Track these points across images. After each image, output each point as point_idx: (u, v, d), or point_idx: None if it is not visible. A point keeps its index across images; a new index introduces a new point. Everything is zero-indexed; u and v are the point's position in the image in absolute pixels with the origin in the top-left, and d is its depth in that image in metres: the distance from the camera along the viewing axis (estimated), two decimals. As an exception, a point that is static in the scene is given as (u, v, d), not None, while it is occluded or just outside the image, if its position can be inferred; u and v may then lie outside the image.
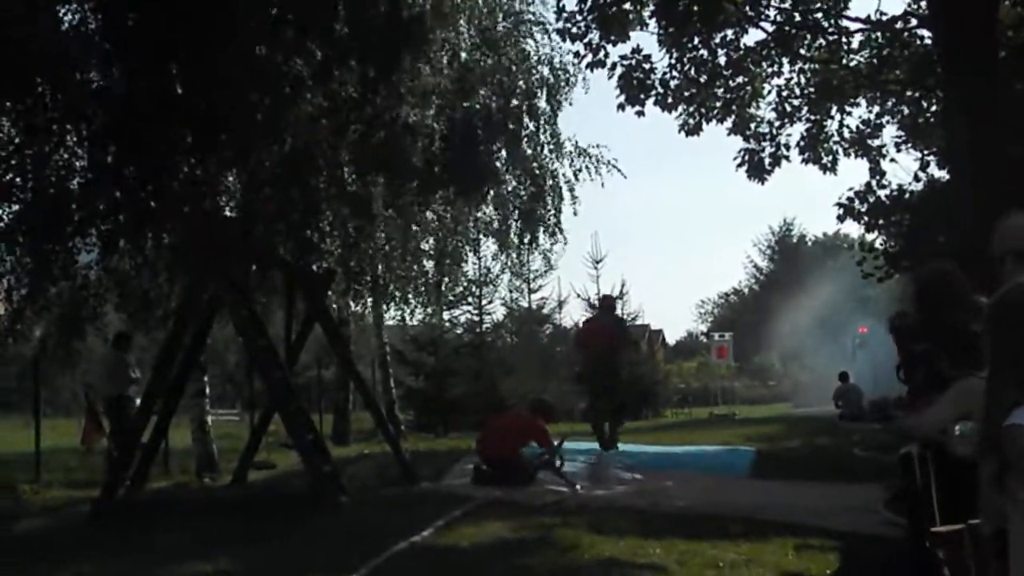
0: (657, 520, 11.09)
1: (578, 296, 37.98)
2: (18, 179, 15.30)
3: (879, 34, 20.40)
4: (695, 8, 18.67)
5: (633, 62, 19.87)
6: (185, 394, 16.19)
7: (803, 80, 21.56)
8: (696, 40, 19.94)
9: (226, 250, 13.86)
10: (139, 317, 17.90)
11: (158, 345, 19.29)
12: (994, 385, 4.73)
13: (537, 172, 28.43)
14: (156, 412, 14.41)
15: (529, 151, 27.87)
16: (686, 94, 20.56)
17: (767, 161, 21.67)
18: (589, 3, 18.95)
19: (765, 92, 21.49)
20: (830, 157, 21.87)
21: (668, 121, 19.82)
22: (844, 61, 21.01)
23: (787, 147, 21.74)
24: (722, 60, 20.46)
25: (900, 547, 8.40)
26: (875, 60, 20.93)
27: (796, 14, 20.18)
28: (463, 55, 23.64)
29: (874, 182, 21.94)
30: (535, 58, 27.61)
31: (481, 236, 30.52)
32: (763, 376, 68.11)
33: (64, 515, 14.08)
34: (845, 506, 11.72)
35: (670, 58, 20.01)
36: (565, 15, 19.48)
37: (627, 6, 19.19)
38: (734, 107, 21.16)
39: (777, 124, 21.69)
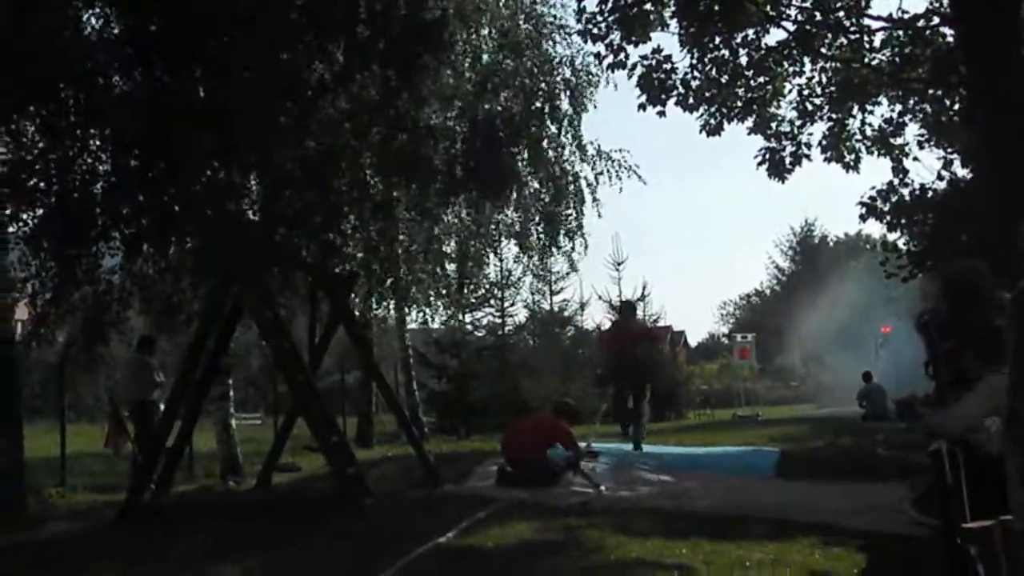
0: (682, 521, 11.06)
1: (600, 298, 37.89)
2: (42, 184, 15.34)
3: (901, 32, 20.33)
4: (716, 8, 18.65)
5: (654, 62, 19.86)
6: (209, 398, 16.24)
7: (824, 79, 21.49)
8: (717, 40, 19.91)
9: (249, 253, 13.90)
10: (162, 321, 17.97)
11: (181, 349, 19.38)
12: (1017, 379, 4.68)
13: (559, 175, 28.40)
14: (180, 416, 14.47)
15: (551, 153, 27.86)
16: (707, 94, 20.52)
17: (788, 160, 21.60)
18: (610, 4, 18.96)
19: (786, 91, 21.43)
20: (852, 155, 21.79)
21: (688, 121, 19.77)
22: (866, 60, 20.91)
23: (808, 146, 21.69)
24: (743, 60, 20.42)
25: (927, 546, 8.37)
26: (897, 58, 20.82)
27: (818, 13, 20.11)
28: (485, 58, 23.67)
29: (896, 181, 21.85)
30: (556, 60, 27.64)
31: (502, 238, 30.56)
32: (785, 377, 67.84)
33: (89, 519, 14.17)
34: (870, 506, 11.66)
35: (691, 58, 20.00)
36: (586, 16, 19.48)
37: (648, 6, 19.20)
38: (755, 106, 21.11)
39: (798, 123, 21.64)
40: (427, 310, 30.67)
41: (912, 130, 22.54)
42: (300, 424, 15.89)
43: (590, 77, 27.65)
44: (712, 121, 20.94)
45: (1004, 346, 5.04)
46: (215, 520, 12.47)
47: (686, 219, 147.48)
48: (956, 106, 20.79)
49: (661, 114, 20.12)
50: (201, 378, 14.53)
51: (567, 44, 27.70)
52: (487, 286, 33.18)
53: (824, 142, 21.73)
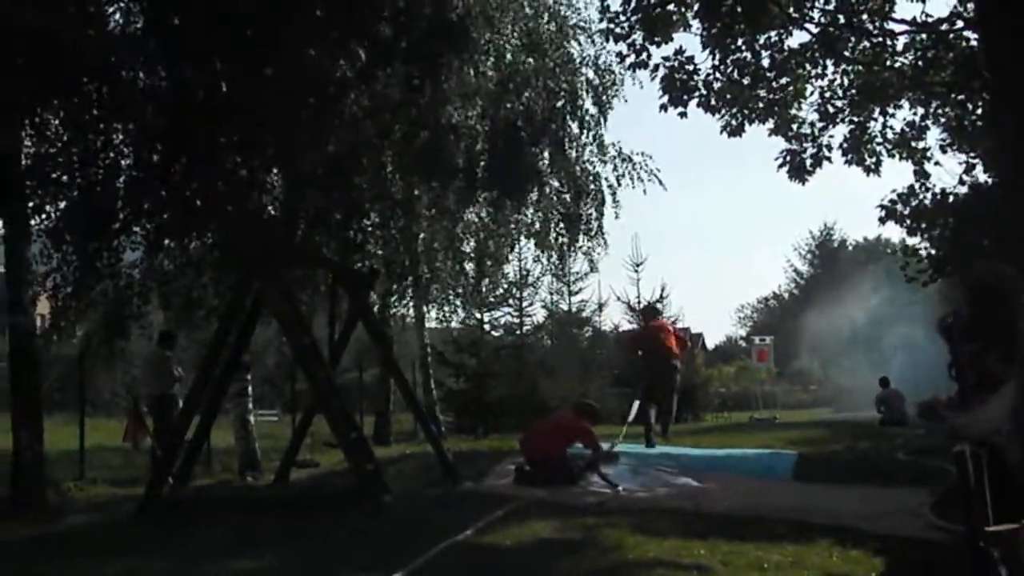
0: (700, 521, 11.03)
1: (618, 299, 37.82)
2: (65, 177, 15.43)
3: (924, 36, 20.26)
4: (740, 10, 18.62)
5: (676, 63, 19.84)
6: (228, 393, 16.28)
7: (846, 81, 21.42)
8: (740, 42, 19.89)
9: (270, 249, 13.93)
10: (182, 316, 18.04)
11: (199, 344, 19.44)
12: None
13: (580, 174, 28.36)
14: (200, 411, 14.52)
15: (573, 154, 27.83)
16: (729, 96, 20.50)
17: (808, 162, 21.58)
18: (633, 3, 18.94)
19: (808, 93, 21.38)
20: (873, 159, 21.72)
21: (708, 121, 19.77)
22: (888, 63, 20.85)
23: (829, 148, 21.65)
24: (766, 62, 20.39)
25: (945, 551, 8.34)
26: (920, 62, 20.76)
27: (841, 16, 20.07)
28: (507, 57, 23.67)
29: (917, 185, 21.80)
30: (579, 61, 27.62)
31: (521, 238, 30.54)
32: (803, 381, 67.63)
33: (108, 512, 14.21)
34: (889, 509, 11.60)
35: (713, 59, 19.97)
36: (609, 15, 19.45)
37: (671, 7, 19.18)
38: (776, 108, 21.07)
39: (820, 125, 21.60)
40: (446, 308, 30.77)
41: (934, 134, 22.46)
42: (317, 421, 15.95)
43: (612, 77, 27.63)
44: (733, 122, 20.90)
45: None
46: (233, 514, 12.48)
47: (705, 220, 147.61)
48: (979, 110, 20.70)
49: (683, 115, 20.11)
50: (221, 374, 14.57)
51: (590, 43, 27.71)
52: (506, 285, 33.21)
53: (845, 144, 21.67)
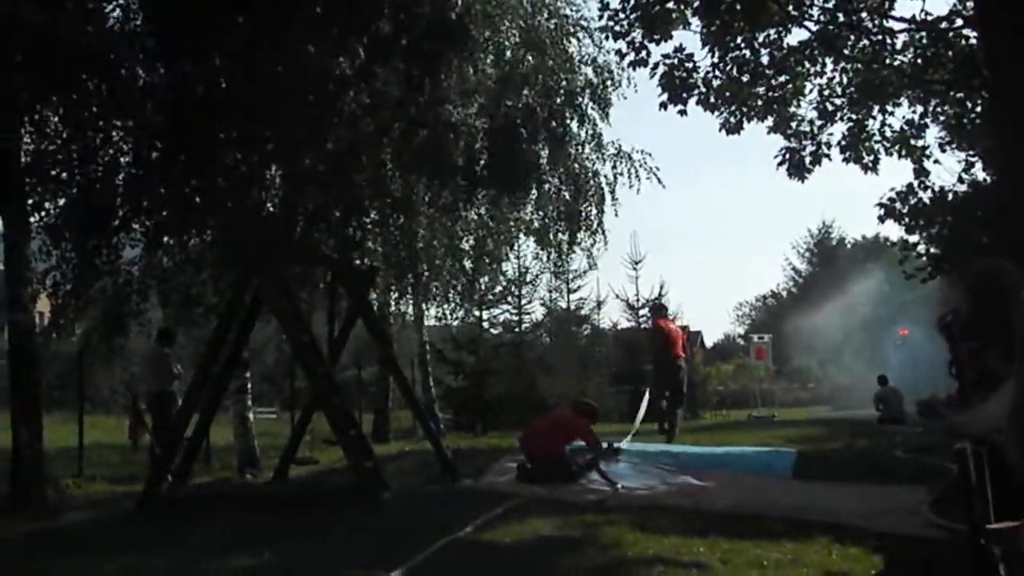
0: (699, 519, 11.04)
1: (617, 297, 37.90)
2: (64, 174, 15.43)
3: (924, 34, 20.24)
4: (739, 7, 18.60)
5: (675, 61, 19.82)
6: (227, 391, 16.28)
7: (845, 79, 21.38)
8: (739, 39, 19.86)
9: (269, 246, 13.94)
10: (181, 313, 18.04)
11: (198, 342, 19.43)
12: None
13: (579, 172, 28.31)
14: (199, 408, 14.52)
15: (572, 151, 27.77)
16: (728, 93, 20.48)
17: (807, 160, 21.52)
18: (632, 1, 18.90)
19: (807, 91, 21.35)
20: (871, 156, 21.68)
21: (707, 119, 19.73)
22: (888, 61, 20.82)
23: (828, 146, 21.62)
24: (765, 59, 20.35)
25: (944, 548, 8.36)
26: (919, 60, 20.74)
27: (840, 14, 20.05)
28: (507, 55, 23.64)
29: (916, 183, 21.79)
30: (579, 59, 27.57)
31: (520, 235, 30.50)
32: (801, 379, 67.63)
33: (107, 509, 14.23)
34: (887, 507, 11.61)
35: (712, 57, 19.94)
36: (608, 12, 19.43)
37: (670, 5, 19.14)
38: (775, 106, 21.04)
39: (818, 123, 21.57)
40: (445, 306, 30.76)
41: (933, 132, 22.45)
42: (317, 418, 15.95)
43: (611, 75, 27.58)
44: (732, 120, 20.86)
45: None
46: (232, 511, 12.48)
47: (704, 218, 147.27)
48: (978, 108, 20.69)
49: (682, 113, 20.09)
50: (221, 371, 14.57)
51: (588, 44, 27.65)
52: (504, 283, 33.22)
53: (844, 142, 21.64)
